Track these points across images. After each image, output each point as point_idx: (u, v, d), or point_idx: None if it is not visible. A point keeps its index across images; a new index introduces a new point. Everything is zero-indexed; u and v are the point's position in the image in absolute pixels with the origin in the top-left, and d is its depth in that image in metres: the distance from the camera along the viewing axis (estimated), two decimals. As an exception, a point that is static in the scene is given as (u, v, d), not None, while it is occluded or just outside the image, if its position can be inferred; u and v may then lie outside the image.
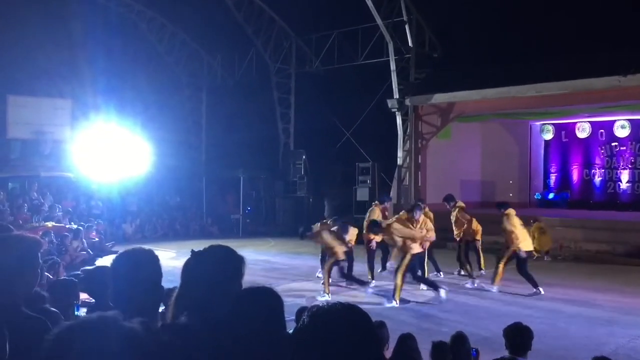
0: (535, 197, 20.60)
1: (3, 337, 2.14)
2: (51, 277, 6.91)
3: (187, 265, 2.30)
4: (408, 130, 18.06)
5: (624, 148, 19.42)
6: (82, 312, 4.13)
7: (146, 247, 2.58)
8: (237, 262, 2.34)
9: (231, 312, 2.04)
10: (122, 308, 2.24)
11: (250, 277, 2.40)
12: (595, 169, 20.07)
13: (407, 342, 4.95)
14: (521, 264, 10.24)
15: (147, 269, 2.38)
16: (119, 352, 1.44)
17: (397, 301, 9.34)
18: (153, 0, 21.40)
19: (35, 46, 17.38)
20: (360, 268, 11.38)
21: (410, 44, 17.92)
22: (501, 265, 10.38)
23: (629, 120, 18.90)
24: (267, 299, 2.13)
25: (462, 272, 11.77)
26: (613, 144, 19.63)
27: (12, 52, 17.42)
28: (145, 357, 1.52)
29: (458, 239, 11.77)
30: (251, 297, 2.13)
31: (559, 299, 10.00)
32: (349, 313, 1.58)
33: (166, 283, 2.64)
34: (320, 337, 1.52)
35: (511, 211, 10.74)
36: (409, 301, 9.98)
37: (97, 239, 14.95)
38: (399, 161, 18.14)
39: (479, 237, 11.92)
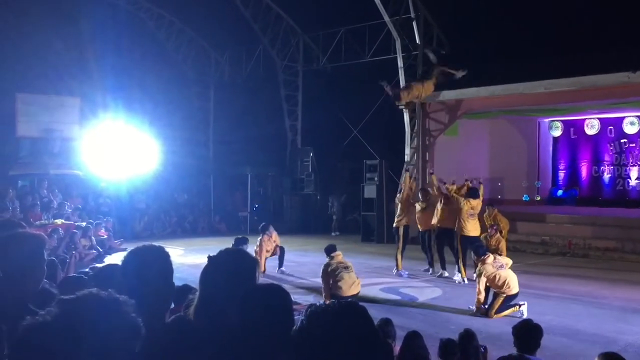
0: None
1: (0, 333, 2.15)
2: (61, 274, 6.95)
3: (204, 276, 2.30)
4: (415, 128, 18.01)
5: (633, 145, 19.29)
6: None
7: (156, 244, 2.59)
8: (252, 266, 2.34)
9: (240, 310, 2.05)
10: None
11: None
12: (604, 166, 19.95)
13: (413, 340, 4.96)
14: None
15: (158, 266, 2.39)
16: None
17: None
18: (161, -2, 21.48)
19: (44, 44, 17.46)
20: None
21: (417, 41, 17.86)
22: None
23: (638, 116, 18.77)
24: (276, 297, 2.14)
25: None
26: (622, 140, 19.50)
27: (22, 50, 17.50)
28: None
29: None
30: (260, 294, 2.14)
31: (568, 296, 9.98)
32: (346, 311, 1.57)
33: (175, 280, 2.66)
34: (321, 337, 1.52)
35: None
36: (417, 298, 9.99)
37: (105, 237, 15.02)
38: (407, 158, 18.11)
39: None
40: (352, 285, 8.98)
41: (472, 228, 11.19)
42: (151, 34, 23.13)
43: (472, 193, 11.45)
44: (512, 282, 8.59)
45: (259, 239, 12.45)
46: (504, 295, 8.49)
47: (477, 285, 8.70)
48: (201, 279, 2.30)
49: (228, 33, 22.21)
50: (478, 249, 9.25)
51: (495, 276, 8.56)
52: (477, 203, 11.35)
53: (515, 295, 8.58)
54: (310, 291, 10.23)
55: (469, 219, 11.13)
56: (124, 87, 18.96)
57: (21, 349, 1.43)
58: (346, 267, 9.11)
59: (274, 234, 12.63)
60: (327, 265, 9.12)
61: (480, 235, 11.37)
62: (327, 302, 1.64)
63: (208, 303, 2.22)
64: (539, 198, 19.31)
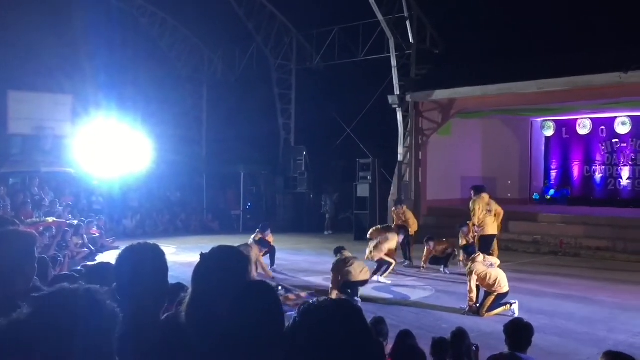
0: (534, 197, 20.40)
1: None
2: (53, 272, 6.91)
3: (197, 273, 2.29)
4: (409, 127, 18.04)
5: (625, 145, 19.40)
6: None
7: (151, 242, 2.59)
8: (244, 263, 2.34)
9: (230, 308, 2.05)
10: (128, 303, 2.25)
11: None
12: (596, 166, 20.06)
13: (405, 339, 4.97)
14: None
15: (153, 264, 2.38)
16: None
17: None
18: (154, -4, 21.41)
19: (36, 42, 17.36)
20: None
21: (411, 40, 17.89)
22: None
23: (629, 117, 18.88)
24: (262, 295, 2.14)
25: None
26: (614, 140, 19.61)
27: (13, 47, 17.39)
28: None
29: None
30: (246, 293, 2.14)
31: (559, 295, 10.02)
32: (340, 309, 1.57)
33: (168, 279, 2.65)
34: (314, 335, 1.51)
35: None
36: (409, 297, 10.01)
37: (97, 235, 14.96)
38: (400, 157, 18.14)
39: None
40: (362, 272, 9.36)
41: (492, 228, 11.10)
42: (144, 31, 23.03)
43: (480, 188, 11.35)
44: (503, 281, 8.66)
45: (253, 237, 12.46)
46: (495, 293, 8.54)
47: (469, 284, 8.74)
48: (193, 276, 2.30)
49: (221, 31, 22.16)
50: (467, 248, 9.33)
51: (486, 275, 8.61)
52: (488, 197, 11.30)
53: (506, 294, 8.64)
54: (302, 289, 10.24)
55: (487, 215, 11.09)
56: (116, 84, 18.87)
57: None
58: (356, 258, 9.71)
59: (270, 236, 12.70)
60: (339, 259, 9.53)
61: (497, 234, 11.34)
62: (322, 299, 1.64)
63: (200, 300, 2.22)
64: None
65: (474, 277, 8.66)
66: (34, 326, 1.40)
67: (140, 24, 22.88)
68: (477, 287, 8.75)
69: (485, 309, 8.51)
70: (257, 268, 11.46)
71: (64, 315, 1.42)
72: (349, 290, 9.25)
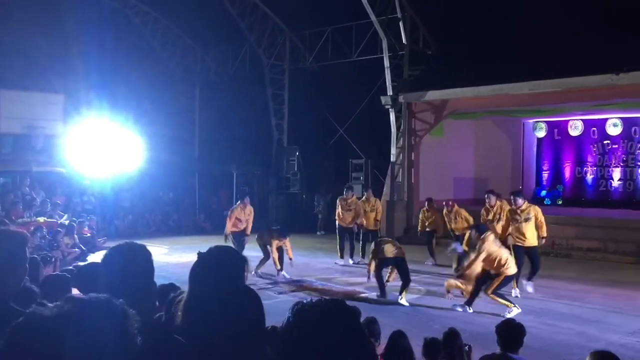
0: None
1: None
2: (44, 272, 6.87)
3: (194, 272, 2.28)
4: (401, 127, 18.07)
5: (616, 146, 19.49)
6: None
7: (138, 242, 2.57)
8: (241, 263, 2.34)
9: (219, 313, 2.05)
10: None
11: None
12: (587, 167, 20.14)
13: (398, 340, 4.96)
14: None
15: (139, 264, 2.36)
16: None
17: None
18: (146, -5, 21.34)
19: (27, 40, 17.28)
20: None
21: (404, 40, 17.92)
22: None
23: (621, 118, 18.97)
24: (254, 298, 2.14)
25: None
26: (605, 142, 19.70)
27: (4, 46, 17.30)
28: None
29: None
30: (242, 294, 2.14)
31: (551, 295, 10.06)
32: (335, 308, 1.57)
33: (159, 279, 2.64)
34: (308, 335, 1.51)
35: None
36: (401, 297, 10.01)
37: (89, 235, 14.87)
38: (392, 158, 18.16)
39: None
40: (393, 248, 9.50)
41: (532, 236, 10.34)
42: (137, 31, 22.96)
43: (518, 193, 10.68)
44: (512, 262, 8.58)
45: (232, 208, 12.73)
46: (503, 275, 8.49)
47: (472, 259, 8.60)
48: (191, 275, 2.29)
49: (214, 31, 22.12)
50: (479, 226, 9.16)
51: (496, 256, 8.47)
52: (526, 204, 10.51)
53: (513, 276, 8.70)
54: (298, 289, 10.23)
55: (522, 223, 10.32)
56: (108, 84, 18.79)
57: (20, 334, 1.41)
58: (390, 240, 10.13)
59: (249, 207, 12.63)
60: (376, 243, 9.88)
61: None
62: (315, 299, 1.63)
63: (197, 299, 2.21)
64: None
65: (483, 256, 8.40)
66: (59, 324, 1.41)
67: (132, 23, 22.81)
68: (482, 278, 8.59)
69: (492, 289, 8.43)
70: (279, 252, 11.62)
71: (92, 325, 1.42)
72: (398, 268, 9.57)
